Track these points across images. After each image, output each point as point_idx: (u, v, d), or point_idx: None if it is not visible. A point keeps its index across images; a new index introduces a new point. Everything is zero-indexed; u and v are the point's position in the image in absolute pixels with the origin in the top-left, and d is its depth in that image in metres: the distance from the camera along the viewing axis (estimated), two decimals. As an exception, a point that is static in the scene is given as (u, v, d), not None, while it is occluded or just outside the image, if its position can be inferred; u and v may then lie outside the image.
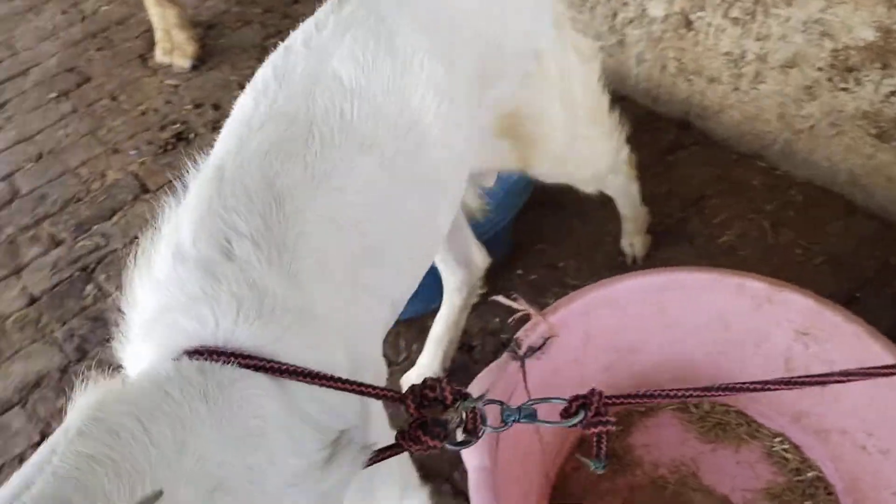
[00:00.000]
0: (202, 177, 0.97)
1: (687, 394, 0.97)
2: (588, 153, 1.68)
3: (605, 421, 0.91)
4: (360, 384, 0.87)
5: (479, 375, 1.42)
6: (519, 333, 1.48)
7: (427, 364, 1.89)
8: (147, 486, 0.68)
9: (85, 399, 0.76)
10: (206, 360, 0.81)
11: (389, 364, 1.99)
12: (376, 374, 1.11)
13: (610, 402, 0.92)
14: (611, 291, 1.54)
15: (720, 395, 0.96)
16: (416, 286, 1.25)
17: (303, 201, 0.93)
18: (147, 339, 0.88)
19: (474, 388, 1.39)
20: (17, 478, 0.67)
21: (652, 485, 1.57)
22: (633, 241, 2.09)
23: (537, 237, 2.22)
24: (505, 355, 1.45)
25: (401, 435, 0.89)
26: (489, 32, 1.27)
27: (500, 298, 1.60)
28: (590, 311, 1.53)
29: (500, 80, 1.33)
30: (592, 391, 0.92)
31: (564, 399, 0.93)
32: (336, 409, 0.91)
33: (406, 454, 1.08)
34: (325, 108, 1.01)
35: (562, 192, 1.95)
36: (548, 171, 1.63)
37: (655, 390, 0.96)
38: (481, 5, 1.28)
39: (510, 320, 1.72)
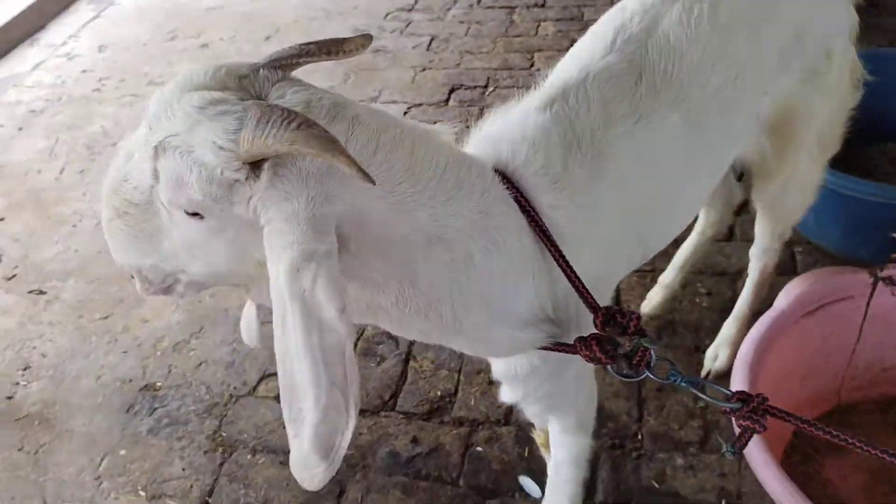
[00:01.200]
0: (559, 70, 1.20)
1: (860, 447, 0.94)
2: (812, 178, 1.61)
3: (756, 419, 0.95)
4: (579, 282, 1.00)
5: (825, 269, 1.57)
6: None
7: (667, 283, 2.03)
8: (375, 196, 0.85)
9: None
10: (500, 179, 1.01)
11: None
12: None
13: (767, 409, 0.96)
14: None
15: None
16: (668, 240, 1.39)
17: (624, 131, 1.11)
18: (475, 148, 1.09)
19: (810, 277, 1.55)
20: None
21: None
22: (718, 350, 1.91)
23: None
24: (865, 269, 1.58)
25: (580, 339, 0.99)
26: (799, 16, 1.31)
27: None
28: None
29: (791, 68, 1.34)
30: (759, 394, 0.97)
31: (728, 391, 0.99)
32: (568, 296, 1.06)
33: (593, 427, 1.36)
34: (654, 61, 1.16)
35: None
36: (772, 189, 1.58)
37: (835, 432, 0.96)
38: None
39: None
